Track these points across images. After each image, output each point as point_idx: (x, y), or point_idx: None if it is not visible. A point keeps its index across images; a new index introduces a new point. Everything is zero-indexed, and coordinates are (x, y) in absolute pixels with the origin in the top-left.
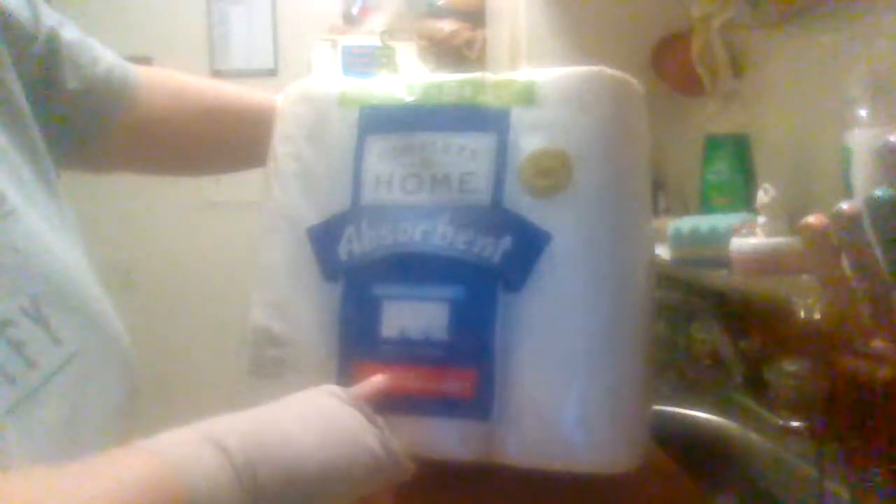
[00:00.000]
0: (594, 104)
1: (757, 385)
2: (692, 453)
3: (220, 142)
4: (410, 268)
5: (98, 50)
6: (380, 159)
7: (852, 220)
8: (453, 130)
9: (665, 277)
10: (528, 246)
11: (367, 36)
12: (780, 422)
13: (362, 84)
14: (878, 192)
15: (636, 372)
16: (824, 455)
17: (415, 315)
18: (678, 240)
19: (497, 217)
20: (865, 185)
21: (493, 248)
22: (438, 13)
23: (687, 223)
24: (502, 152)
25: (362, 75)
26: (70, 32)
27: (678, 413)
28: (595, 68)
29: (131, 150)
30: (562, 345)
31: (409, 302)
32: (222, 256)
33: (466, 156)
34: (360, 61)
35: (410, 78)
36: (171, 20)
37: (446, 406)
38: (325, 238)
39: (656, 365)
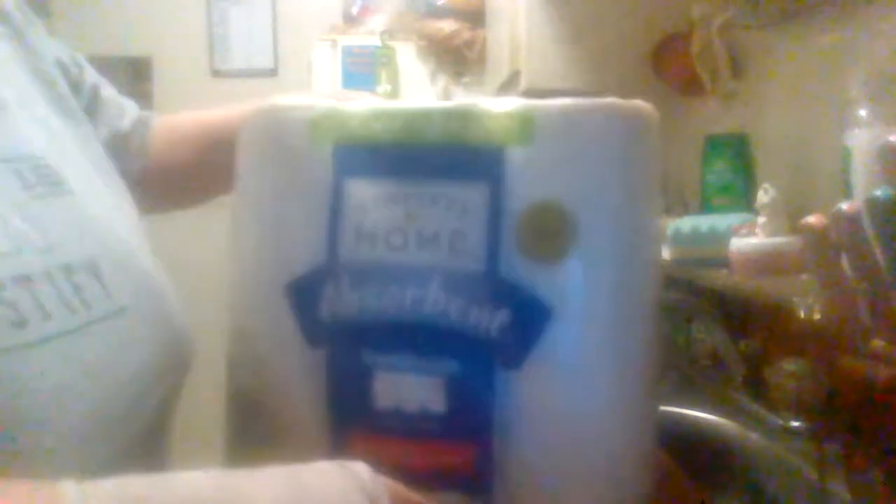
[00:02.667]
0: (603, 146)
1: (757, 385)
2: (692, 453)
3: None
4: (402, 336)
5: (126, 106)
6: (359, 209)
7: (852, 220)
8: (440, 178)
9: (665, 277)
10: (527, 321)
11: (367, 36)
12: (780, 422)
13: (335, 113)
14: (878, 192)
15: (642, 434)
16: (824, 455)
17: (410, 387)
18: (678, 240)
19: (493, 286)
20: (865, 185)
21: (489, 321)
22: (438, 13)
23: (687, 223)
24: (496, 207)
25: (362, 75)
26: (107, 91)
27: (678, 413)
28: (604, 101)
29: (150, 198)
30: (565, 418)
31: (403, 374)
32: (223, 256)
33: (456, 211)
34: (360, 61)
35: (391, 105)
36: (171, 20)
37: (446, 479)
38: (303, 296)
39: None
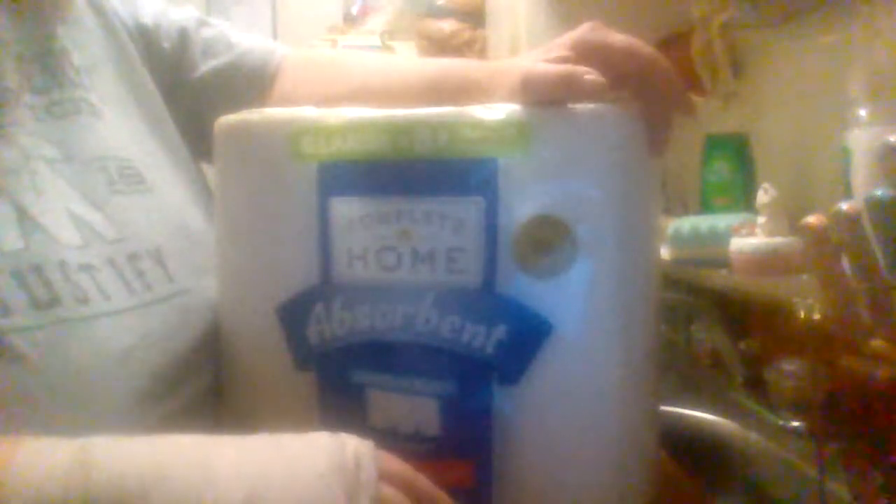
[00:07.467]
0: (603, 152)
1: (757, 385)
2: (692, 453)
3: None
4: (393, 356)
5: (236, 38)
6: (350, 228)
7: (852, 220)
8: (433, 194)
9: (665, 277)
10: (525, 336)
11: (367, 36)
12: (780, 422)
13: (316, 127)
14: (878, 192)
15: (645, 440)
16: (824, 455)
17: (403, 407)
18: (678, 240)
19: (488, 302)
20: (865, 185)
21: (485, 338)
22: (438, 13)
23: (687, 223)
24: (492, 221)
25: None
26: (208, 31)
27: (678, 413)
28: (601, 106)
29: None
30: (566, 428)
31: (396, 394)
32: None
33: (451, 227)
34: None
35: (375, 115)
36: None
37: (447, 493)
38: (295, 318)
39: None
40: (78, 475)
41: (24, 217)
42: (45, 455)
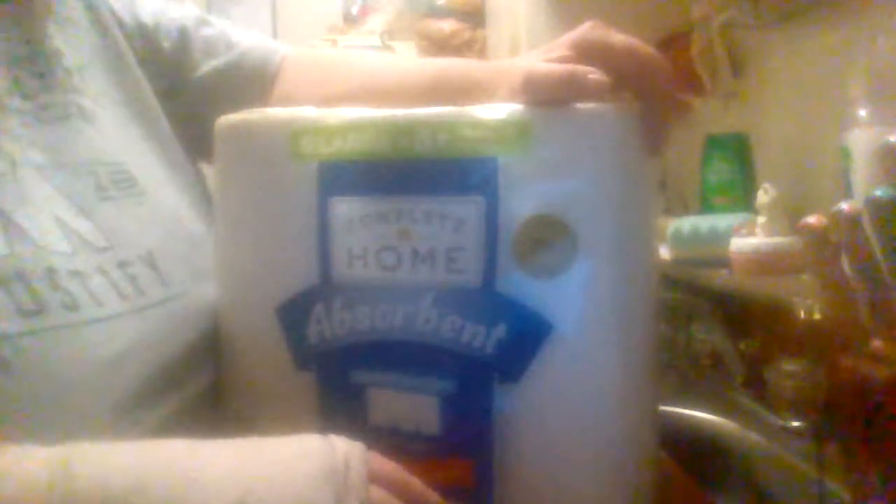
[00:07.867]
0: (603, 152)
1: (757, 385)
2: (692, 453)
3: None
4: (393, 355)
5: (236, 36)
6: (349, 228)
7: (852, 220)
8: (432, 193)
9: (665, 277)
10: (525, 336)
11: (367, 36)
12: (780, 422)
13: (317, 126)
14: (878, 192)
15: (645, 439)
16: (824, 455)
17: (404, 406)
18: (678, 240)
19: (488, 302)
20: (865, 185)
21: (485, 338)
22: (438, 13)
23: (687, 223)
24: (492, 221)
25: None
26: (208, 30)
27: (678, 413)
28: (601, 106)
29: None
30: (566, 426)
31: (396, 391)
32: None
33: (450, 227)
34: None
35: (375, 115)
36: None
37: (447, 492)
38: (294, 319)
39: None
40: (60, 484)
41: (8, 224)
42: (27, 464)
